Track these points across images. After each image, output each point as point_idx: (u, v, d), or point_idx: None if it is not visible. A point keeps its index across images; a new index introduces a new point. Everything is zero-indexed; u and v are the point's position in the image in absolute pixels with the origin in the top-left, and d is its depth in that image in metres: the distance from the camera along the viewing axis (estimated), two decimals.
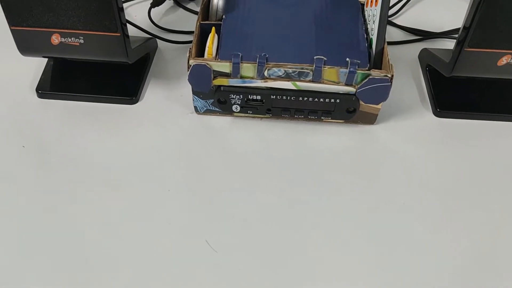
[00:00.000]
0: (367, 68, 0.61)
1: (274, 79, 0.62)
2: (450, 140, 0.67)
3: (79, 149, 0.65)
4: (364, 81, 0.61)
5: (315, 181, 0.62)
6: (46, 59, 0.74)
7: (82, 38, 0.63)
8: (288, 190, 0.61)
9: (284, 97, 0.64)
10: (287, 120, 0.68)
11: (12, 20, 0.63)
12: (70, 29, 0.63)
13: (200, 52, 0.66)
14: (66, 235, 0.56)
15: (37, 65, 0.74)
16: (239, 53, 0.62)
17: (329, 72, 0.61)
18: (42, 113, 0.69)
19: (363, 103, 0.64)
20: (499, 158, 0.65)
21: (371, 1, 0.65)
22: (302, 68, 0.61)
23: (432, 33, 0.82)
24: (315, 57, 0.61)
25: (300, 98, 0.64)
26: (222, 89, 0.64)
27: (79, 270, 0.53)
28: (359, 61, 0.61)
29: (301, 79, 0.62)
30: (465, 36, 0.61)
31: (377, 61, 0.63)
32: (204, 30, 0.67)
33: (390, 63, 0.62)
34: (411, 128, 0.68)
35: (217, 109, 0.68)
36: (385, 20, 0.62)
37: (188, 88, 0.66)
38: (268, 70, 0.61)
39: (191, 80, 0.63)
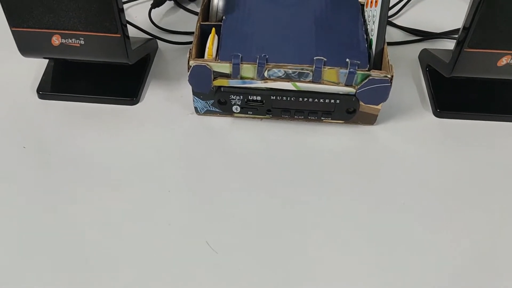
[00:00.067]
0: (367, 69, 0.61)
1: (274, 80, 0.62)
2: (450, 140, 0.67)
3: (79, 150, 0.65)
4: (364, 82, 0.61)
5: (315, 181, 0.62)
6: (47, 60, 0.75)
7: (82, 39, 0.64)
8: (288, 191, 0.61)
9: (284, 98, 0.64)
10: (287, 120, 0.68)
11: (12, 21, 0.63)
12: (71, 30, 0.63)
13: (200, 53, 0.66)
14: (66, 235, 0.56)
15: (38, 66, 0.75)
16: (239, 54, 0.62)
17: (329, 72, 0.61)
18: (42, 113, 0.69)
19: (363, 104, 0.64)
20: (499, 158, 0.65)
21: (371, 2, 0.65)
22: (302, 69, 0.61)
23: (432, 33, 0.82)
24: (315, 58, 0.61)
25: (300, 99, 0.64)
26: (222, 90, 0.64)
27: (79, 270, 0.54)
28: (359, 62, 0.61)
29: (301, 79, 0.62)
30: (465, 36, 0.61)
31: (377, 61, 0.63)
32: (204, 31, 0.67)
33: (390, 63, 0.62)
34: (411, 128, 0.68)
35: (217, 110, 0.68)
36: (385, 21, 0.62)
37: (189, 89, 0.66)
38: (268, 70, 0.62)
39: (191, 81, 0.64)
